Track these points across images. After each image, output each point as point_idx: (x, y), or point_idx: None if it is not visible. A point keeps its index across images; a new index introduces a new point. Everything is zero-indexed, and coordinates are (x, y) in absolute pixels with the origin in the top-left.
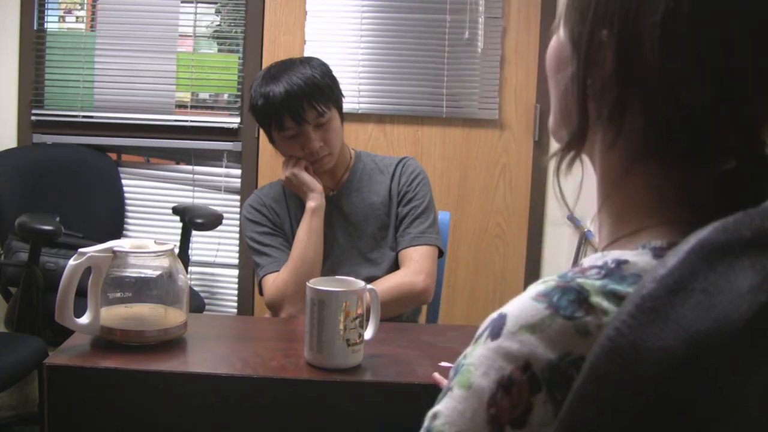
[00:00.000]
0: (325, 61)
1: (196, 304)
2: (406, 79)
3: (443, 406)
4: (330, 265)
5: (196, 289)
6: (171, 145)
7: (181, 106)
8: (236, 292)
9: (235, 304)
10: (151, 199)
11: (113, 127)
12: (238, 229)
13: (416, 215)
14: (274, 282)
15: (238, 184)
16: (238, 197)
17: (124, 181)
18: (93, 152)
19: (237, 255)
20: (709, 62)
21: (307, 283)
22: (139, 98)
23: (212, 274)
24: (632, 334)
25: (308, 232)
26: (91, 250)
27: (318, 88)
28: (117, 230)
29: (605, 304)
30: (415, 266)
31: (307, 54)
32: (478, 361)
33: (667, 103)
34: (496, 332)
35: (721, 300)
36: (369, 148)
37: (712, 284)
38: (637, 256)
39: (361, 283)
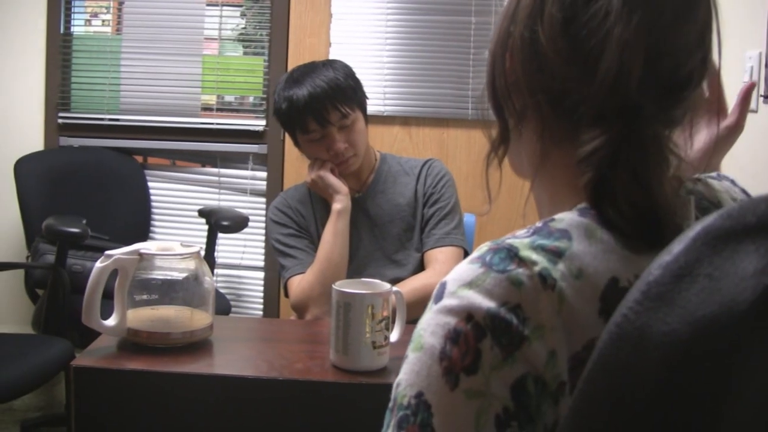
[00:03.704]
0: (348, 63)
1: (222, 306)
2: (432, 81)
3: (402, 373)
4: (355, 267)
5: (222, 291)
6: (197, 147)
7: (206, 108)
8: (262, 294)
9: (261, 306)
10: (176, 202)
11: (139, 129)
12: (263, 231)
13: (441, 216)
14: (299, 284)
15: (264, 187)
16: (263, 200)
17: (150, 184)
18: (119, 155)
19: (263, 257)
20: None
21: (333, 286)
22: (164, 101)
23: (238, 277)
24: (639, 320)
25: (334, 234)
26: (118, 252)
27: (341, 90)
28: (143, 233)
29: (534, 256)
30: (440, 267)
31: (332, 56)
32: (426, 324)
33: (564, 96)
34: (438, 297)
35: (726, 284)
36: (394, 150)
37: (716, 269)
38: (564, 215)
39: (387, 285)
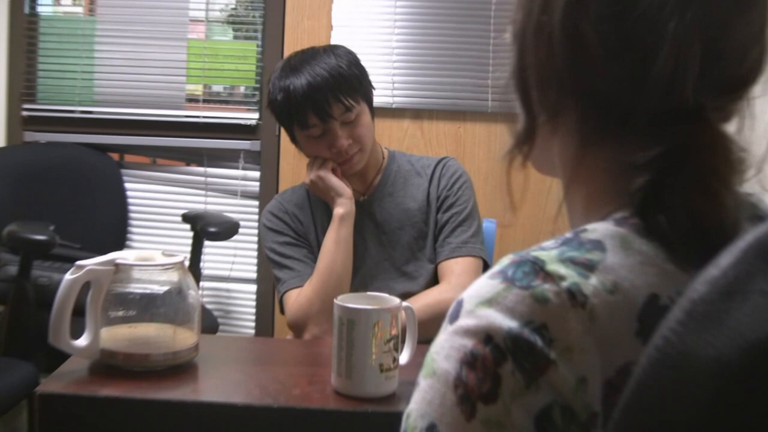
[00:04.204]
0: (352, 50)
1: (209, 323)
2: (447, 69)
3: (413, 402)
4: (360, 280)
5: (208, 307)
6: (180, 144)
7: (192, 100)
8: (254, 310)
9: (253, 324)
10: (157, 205)
11: (115, 123)
12: (256, 239)
13: (458, 223)
14: (297, 298)
15: (257, 189)
16: (256, 203)
17: (127, 185)
18: (92, 152)
19: (255, 268)
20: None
21: (335, 300)
22: (144, 91)
23: (227, 290)
24: (682, 343)
25: (336, 242)
26: (91, 262)
27: (344, 79)
28: (119, 240)
29: (562, 270)
30: (456, 280)
31: (334, 41)
32: (439, 347)
33: (609, 93)
34: (454, 316)
35: None
36: (404, 147)
37: None
38: (597, 224)
39: (396, 300)
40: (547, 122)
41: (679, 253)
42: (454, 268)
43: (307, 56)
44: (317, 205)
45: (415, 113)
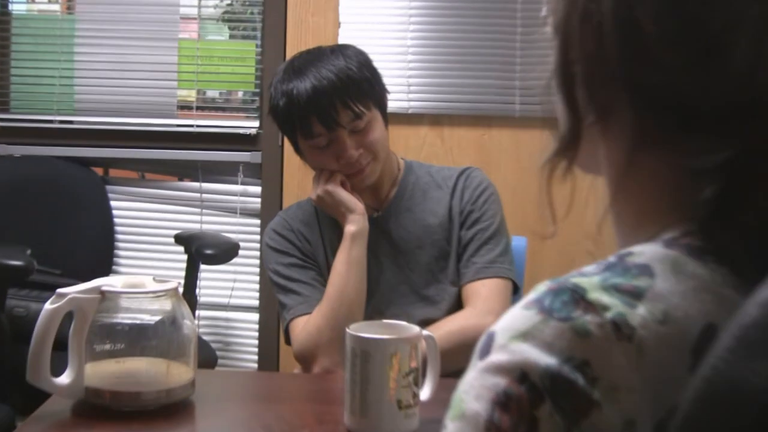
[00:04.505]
0: (363, 50)
1: (207, 357)
2: (469, 69)
3: None
4: (375, 306)
5: (205, 338)
6: (172, 156)
7: (184, 107)
8: (256, 341)
9: (256, 357)
10: (147, 226)
11: (99, 134)
12: (258, 261)
13: (483, 240)
14: (304, 327)
15: (258, 205)
16: (257, 222)
17: (113, 203)
18: (73, 167)
19: (257, 295)
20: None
21: (347, 330)
22: (131, 98)
23: (226, 320)
24: (732, 373)
25: (348, 264)
26: (73, 290)
27: (354, 82)
28: (105, 265)
29: (606, 299)
30: (482, 305)
31: (342, 40)
32: (468, 386)
33: (668, 89)
34: (485, 351)
35: None
36: (422, 157)
37: None
38: (644, 247)
39: (415, 329)
40: (595, 123)
41: (744, 277)
42: (480, 290)
43: (313, 57)
44: (326, 222)
45: (434, 119)
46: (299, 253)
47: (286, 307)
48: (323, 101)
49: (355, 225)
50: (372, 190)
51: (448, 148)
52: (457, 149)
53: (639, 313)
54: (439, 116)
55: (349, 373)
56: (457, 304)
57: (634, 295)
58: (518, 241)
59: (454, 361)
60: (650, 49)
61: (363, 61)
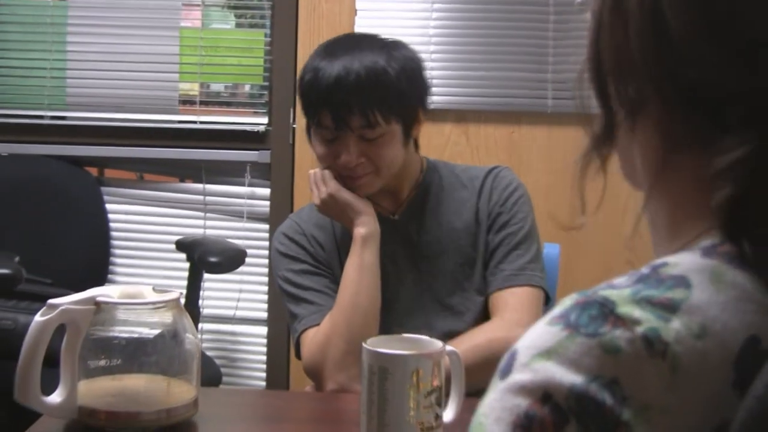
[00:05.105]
0: (418, 56)
1: (211, 374)
2: (496, 60)
3: None
4: (394, 317)
5: (209, 353)
6: (173, 155)
7: (186, 102)
8: (264, 357)
9: (264, 375)
10: (146, 230)
11: (93, 131)
12: (266, 270)
13: (513, 245)
14: (314, 338)
15: (267, 209)
16: (266, 227)
17: (108, 206)
18: (65, 166)
19: (266, 306)
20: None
21: (364, 345)
22: (128, 92)
23: (232, 333)
24: None
25: (359, 268)
26: (65, 301)
27: (381, 88)
28: (100, 274)
29: (637, 312)
30: (511, 315)
31: (358, 29)
32: (488, 408)
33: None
34: (506, 370)
35: None
36: (446, 156)
37: None
38: (680, 257)
39: (438, 343)
40: (626, 119)
41: None
42: (509, 300)
43: (356, 43)
44: (341, 225)
45: (459, 115)
46: (311, 259)
47: (297, 318)
48: (339, 96)
49: (365, 227)
50: (389, 191)
51: (474, 146)
52: (483, 148)
53: (673, 327)
54: (465, 112)
55: (366, 392)
56: (484, 315)
57: (669, 309)
58: (551, 249)
59: (480, 379)
60: (675, 41)
61: (408, 69)
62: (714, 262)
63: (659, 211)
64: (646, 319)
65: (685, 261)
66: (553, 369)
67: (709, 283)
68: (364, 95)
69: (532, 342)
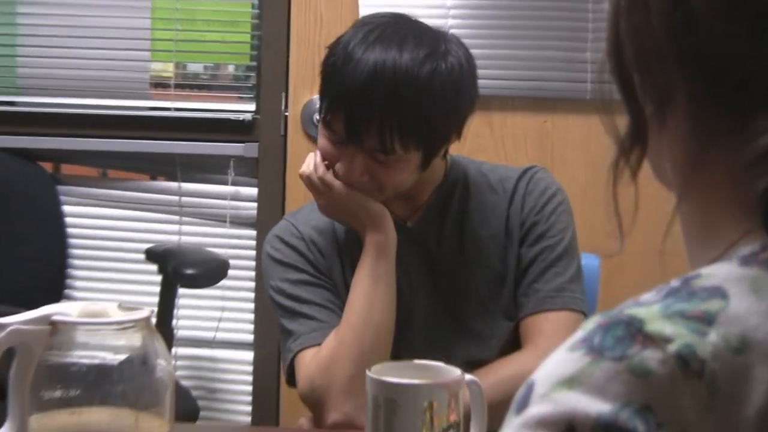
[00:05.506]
0: (471, 59)
1: (186, 407)
2: (526, 38)
3: None
4: (406, 341)
5: (185, 383)
6: (143, 148)
7: (159, 85)
8: (250, 388)
9: (248, 408)
10: (110, 237)
11: (49, 120)
12: (253, 284)
13: (550, 261)
14: (316, 358)
15: (254, 212)
16: (253, 233)
17: (66, 208)
18: (16, 161)
19: (252, 327)
20: None
21: (368, 373)
22: (89, 73)
23: (212, 359)
24: None
25: (373, 279)
26: (15, 320)
27: (414, 109)
28: (56, 288)
29: (669, 328)
30: (546, 344)
31: (362, 4)
32: None
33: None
34: (522, 403)
35: None
36: (466, 151)
37: None
38: (715, 267)
39: (456, 372)
40: (655, 115)
41: None
42: (544, 326)
43: (406, 31)
44: (346, 228)
45: (482, 102)
46: (311, 268)
47: (292, 335)
48: (360, 106)
49: (382, 233)
50: (403, 193)
51: (500, 139)
52: (510, 141)
53: (710, 341)
54: (488, 98)
55: (371, 429)
56: (513, 343)
57: (704, 321)
58: (589, 260)
59: (505, 416)
60: (699, 16)
61: (454, 80)
62: (754, 271)
63: (692, 213)
64: (679, 335)
65: (720, 271)
66: (576, 399)
67: (748, 292)
68: (389, 114)
69: (551, 370)
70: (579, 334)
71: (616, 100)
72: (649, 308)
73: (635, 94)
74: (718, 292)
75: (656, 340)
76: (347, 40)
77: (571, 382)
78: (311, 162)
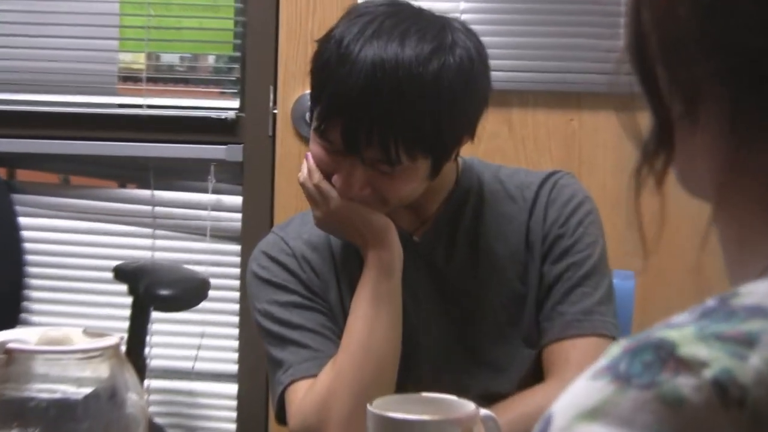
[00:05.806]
0: (484, 52)
1: None
2: (550, 24)
3: None
4: (415, 371)
5: (159, 421)
6: (111, 151)
7: (129, 78)
8: (234, 426)
9: None
10: (74, 253)
11: (3, 119)
12: (237, 306)
13: (577, 280)
14: (311, 391)
15: (238, 224)
16: (237, 248)
17: (22, 220)
18: None
19: (236, 356)
20: None
21: (369, 407)
22: (49, 65)
23: (190, 393)
24: None
25: (375, 301)
26: None
27: (419, 113)
28: (11, 311)
29: (704, 352)
30: (573, 376)
31: None
32: None
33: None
34: None
35: None
36: (481, 153)
37: None
38: (755, 285)
39: (470, 405)
40: (685, 114)
41: None
42: (571, 354)
43: (408, 22)
44: (343, 244)
45: (500, 98)
46: (303, 289)
47: (282, 366)
48: (359, 113)
49: (386, 250)
50: (409, 204)
51: (520, 139)
52: (531, 142)
53: (752, 365)
54: (507, 93)
55: None
56: (535, 373)
57: (745, 343)
58: (622, 279)
59: None
60: (734, 4)
61: (465, 72)
62: None
63: (730, 225)
64: (716, 358)
65: (761, 289)
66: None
67: None
68: (392, 121)
69: (571, 401)
70: (603, 360)
71: (638, 97)
72: (681, 330)
73: (660, 92)
74: (760, 311)
75: (690, 365)
76: (341, 35)
77: (594, 413)
78: (305, 167)
